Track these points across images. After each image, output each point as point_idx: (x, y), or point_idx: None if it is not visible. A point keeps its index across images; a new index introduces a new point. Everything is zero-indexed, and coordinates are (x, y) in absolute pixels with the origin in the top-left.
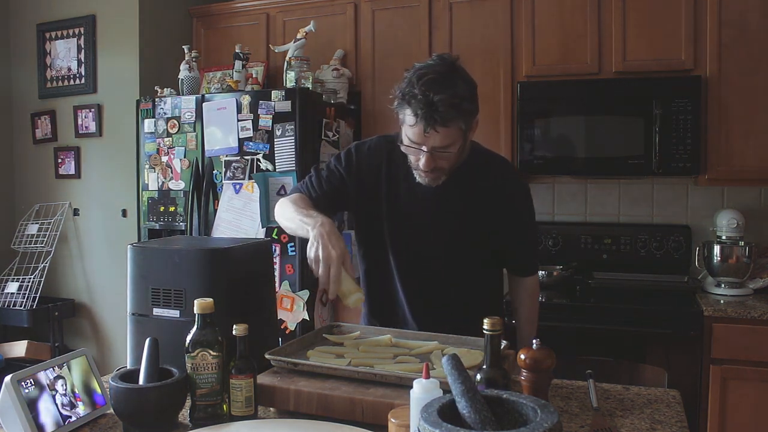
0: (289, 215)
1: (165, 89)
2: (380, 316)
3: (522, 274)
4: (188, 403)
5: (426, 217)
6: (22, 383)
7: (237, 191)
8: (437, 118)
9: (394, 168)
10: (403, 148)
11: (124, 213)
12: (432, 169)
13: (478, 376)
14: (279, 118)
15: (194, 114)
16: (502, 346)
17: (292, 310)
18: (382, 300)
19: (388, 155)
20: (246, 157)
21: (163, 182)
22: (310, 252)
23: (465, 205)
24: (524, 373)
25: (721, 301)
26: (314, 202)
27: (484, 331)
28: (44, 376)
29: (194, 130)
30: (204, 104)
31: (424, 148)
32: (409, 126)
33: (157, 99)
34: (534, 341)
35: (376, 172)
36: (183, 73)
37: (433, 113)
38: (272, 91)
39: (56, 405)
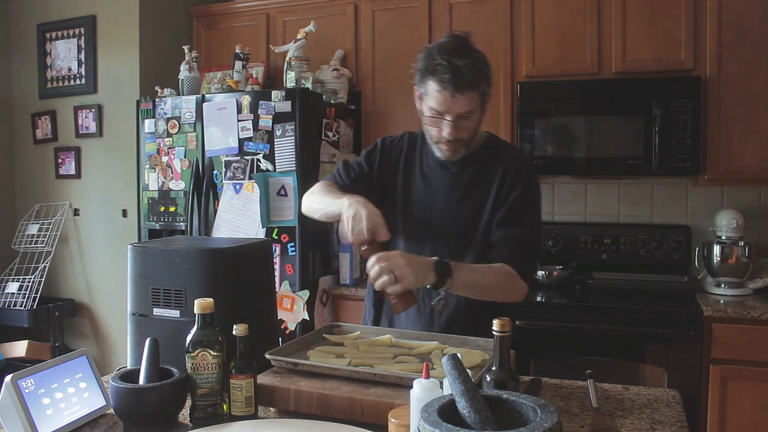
0: (319, 198)
1: (165, 89)
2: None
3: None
4: (188, 403)
5: (438, 206)
6: (22, 383)
7: (237, 191)
8: (463, 81)
9: (410, 160)
10: (425, 120)
11: (125, 213)
12: (454, 138)
13: (487, 377)
14: (279, 118)
15: (194, 114)
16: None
17: (292, 310)
18: None
19: (407, 147)
20: (246, 157)
21: (163, 182)
22: (349, 211)
23: (475, 195)
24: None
25: (721, 301)
26: (342, 190)
27: (494, 332)
28: (44, 376)
29: (194, 131)
30: (204, 104)
31: (448, 117)
32: (434, 95)
33: (157, 99)
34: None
35: (394, 164)
36: (183, 73)
37: (459, 78)
38: (272, 92)
39: (56, 405)
